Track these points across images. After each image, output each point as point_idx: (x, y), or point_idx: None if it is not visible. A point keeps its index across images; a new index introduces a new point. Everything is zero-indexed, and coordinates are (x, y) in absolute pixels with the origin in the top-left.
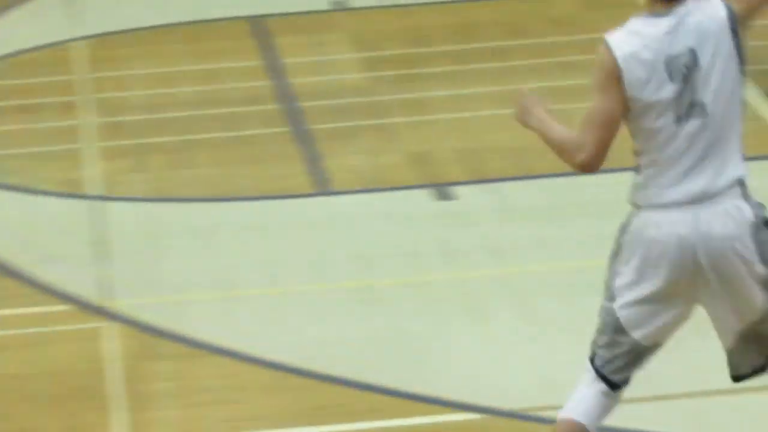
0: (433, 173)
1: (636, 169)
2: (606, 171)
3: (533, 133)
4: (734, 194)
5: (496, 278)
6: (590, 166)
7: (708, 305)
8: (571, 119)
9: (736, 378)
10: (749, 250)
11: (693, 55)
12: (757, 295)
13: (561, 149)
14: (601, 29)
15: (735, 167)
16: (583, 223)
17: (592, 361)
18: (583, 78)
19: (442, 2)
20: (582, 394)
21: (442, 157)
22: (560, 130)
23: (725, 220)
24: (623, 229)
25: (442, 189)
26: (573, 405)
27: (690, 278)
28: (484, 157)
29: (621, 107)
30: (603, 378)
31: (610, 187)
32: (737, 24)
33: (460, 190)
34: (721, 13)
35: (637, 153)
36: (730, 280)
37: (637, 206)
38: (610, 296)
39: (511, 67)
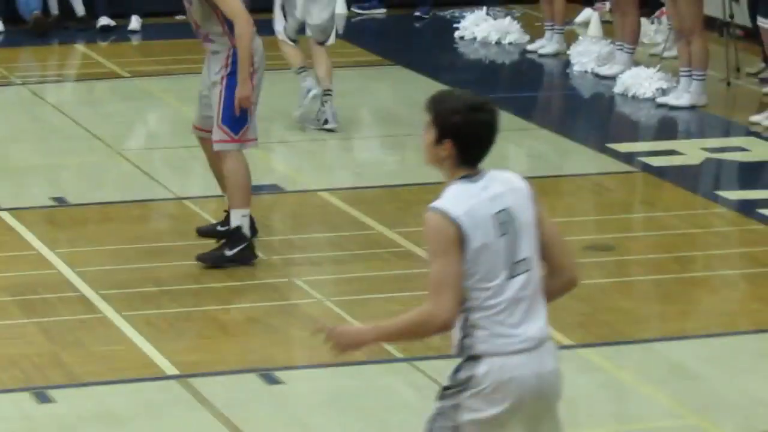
0: None
1: (467, 322)
2: None
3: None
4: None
5: None
6: (452, 322)
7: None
8: None
9: None
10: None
11: (510, 212)
12: None
13: (413, 329)
14: None
15: (545, 313)
16: None
17: None
18: None
19: None
20: None
21: None
22: (397, 320)
23: (553, 358)
24: (468, 377)
25: None
26: None
27: (528, 408)
28: None
29: (462, 266)
30: None
31: None
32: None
33: None
34: (522, 183)
35: (470, 309)
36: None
37: (478, 356)
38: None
39: None
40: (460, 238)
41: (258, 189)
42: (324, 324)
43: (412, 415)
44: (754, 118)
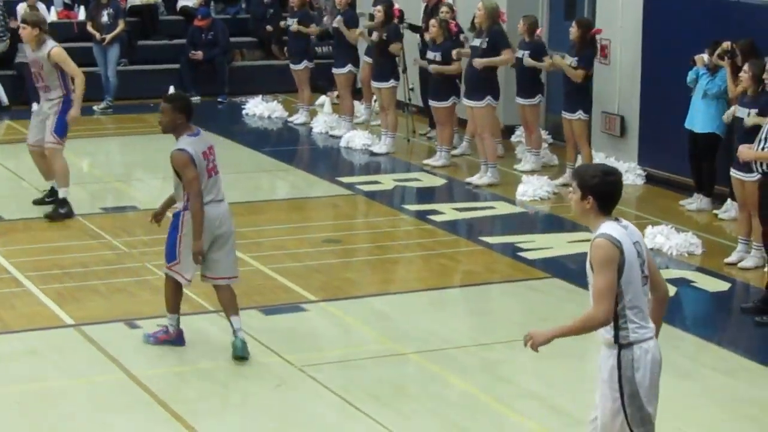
0: None
1: (622, 318)
2: None
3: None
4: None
5: None
6: (611, 318)
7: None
8: None
9: None
10: None
11: (640, 245)
12: None
13: (587, 325)
14: None
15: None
16: None
17: None
18: None
19: None
20: None
21: None
22: (573, 323)
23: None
24: (629, 361)
25: None
26: None
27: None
28: None
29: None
30: None
31: None
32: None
33: None
34: (641, 235)
35: (623, 305)
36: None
37: (630, 343)
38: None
39: None
40: (619, 258)
41: None
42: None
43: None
44: (426, 161)
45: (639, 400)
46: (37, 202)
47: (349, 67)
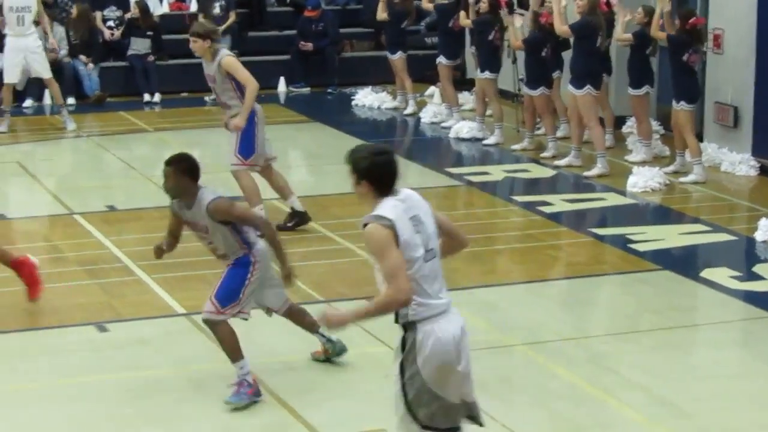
0: None
1: None
2: None
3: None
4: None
5: None
6: (411, 295)
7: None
8: None
9: None
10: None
11: (420, 218)
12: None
13: (386, 306)
14: None
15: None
16: None
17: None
18: None
19: None
20: None
21: None
22: (373, 302)
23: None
24: (411, 344)
25: None
26: None
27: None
28: None
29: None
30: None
31: None
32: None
33: None
34: (423, 198)
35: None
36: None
37: (411, 322)
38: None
39: None
40: (395, 236)
41: None
42: (323, 310)
43: None
44: (514, 146)
45: (421, 381)
46: (281, 228)
47: (440, 58)
